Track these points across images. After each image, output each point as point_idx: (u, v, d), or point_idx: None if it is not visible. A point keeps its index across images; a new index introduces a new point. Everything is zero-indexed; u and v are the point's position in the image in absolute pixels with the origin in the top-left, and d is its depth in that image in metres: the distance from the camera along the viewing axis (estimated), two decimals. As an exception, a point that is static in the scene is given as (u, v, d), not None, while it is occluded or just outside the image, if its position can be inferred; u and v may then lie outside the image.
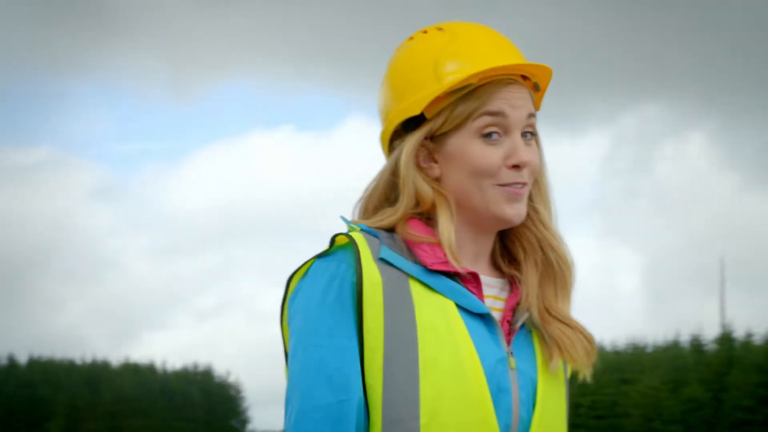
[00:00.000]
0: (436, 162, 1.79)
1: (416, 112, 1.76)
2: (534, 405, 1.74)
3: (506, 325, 1.76)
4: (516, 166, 1.76)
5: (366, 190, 1.82)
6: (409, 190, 1.76)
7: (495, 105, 1.75)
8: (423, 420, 1.63)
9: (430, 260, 1.71)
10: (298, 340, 1.69)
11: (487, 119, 1.75)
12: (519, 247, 1.84)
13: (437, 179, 1.79)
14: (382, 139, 1.84)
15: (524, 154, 1.76)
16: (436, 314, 1.68)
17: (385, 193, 1.80)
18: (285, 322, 1.75)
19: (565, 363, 1.82)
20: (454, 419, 1.65)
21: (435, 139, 1.78)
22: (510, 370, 1.72)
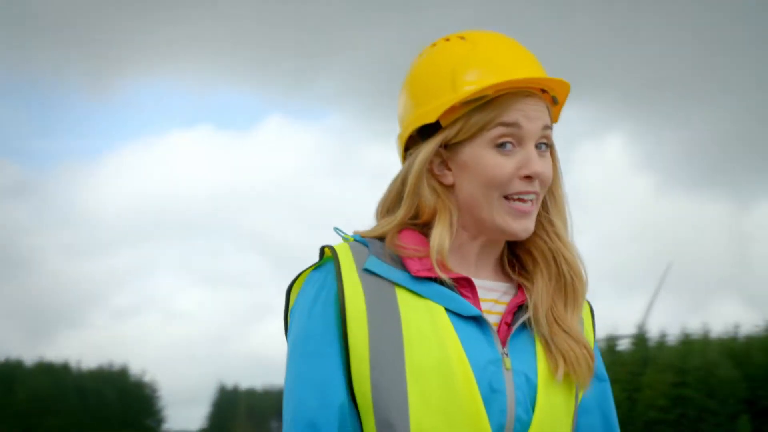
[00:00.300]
0: (450, 170, 1.80)
1: (432, 119, 1.78)
2: (533, 405, 1.74)
3: (505, 327, 1.78)
4: (528, 177, 1.77)
5: (382, 195, 1.85)
6: (412, 200, 1.79)
7: (510, 116, 1.76)
8: (413, 423, 1.66)
9: (415, 267, 1.74)
10: (289, 350, 1.76)
11: (501, 129, 1.76)
12: (530, 257, 1.85)
13: (450, 187, 1.80)
14: (399, 144, 1.87)
15: (537, 165, 1.77)
16: (423, 319, 1.71)
17: (395, 199, 1.83)
18: (286, 333, 1.81)
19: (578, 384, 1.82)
20: (444, 420, 1.67)
21: (449, 147, 1.79)
22: (505, 371, 1.72)
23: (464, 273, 1.79)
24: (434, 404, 1.67)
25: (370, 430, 1.69)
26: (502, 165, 1.76)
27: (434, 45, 1.84)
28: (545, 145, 1.80)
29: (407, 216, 1.79)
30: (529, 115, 1.77)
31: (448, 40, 1.83)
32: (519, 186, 1.77)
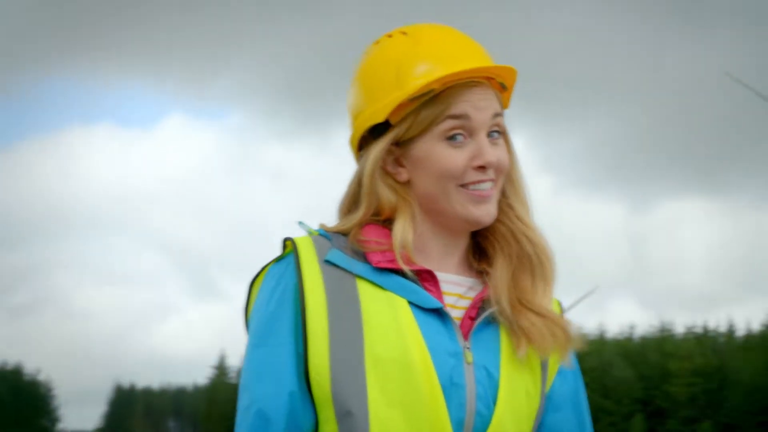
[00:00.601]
0: (403, 167, 1.80)
1: (380, 119, 1.77)
2: (495, 401, 1.73)
3: (469, 321, 1.76)
4: (481, 167, 1.76)
5: (342, 195, 1.84)
6: (370, 200, 1.78)
7: (459, 108, 1.75)
8: (372, 412, 1.65)
9: (376, 259, 1.74)
10: (247, 343, 1.76)
11: (451, 122, 1.75)
12: (491, 241, 1.84)
13: (405, 184, 1.80)
14: (351, 145, 1.86)
15: (489, 154, 1.76)
16: (384, 311, 1.70)
17: (353, 199, 1.82)
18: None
19: (545, 358, 1.81)
20: (403, 411, 1.66)
21: (401, 144, 1.79)
22: (466, 365, 1.71)
23: (430, 268, 1.78)
24: (394, 395, 1.66)
25: (328, 419, 1.68)
26: (455, 157, 1.75)
27: (377, 43, 1.84)
28: (497, 133, 1.80)
29: (368, 214, 1.79)
30: (477, 105, 1.76)
31: (390, 36, 1.83)
32: (474, 176, 1.76)
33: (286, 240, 1.77)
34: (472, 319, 1.77)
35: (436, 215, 1.79)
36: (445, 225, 1.80)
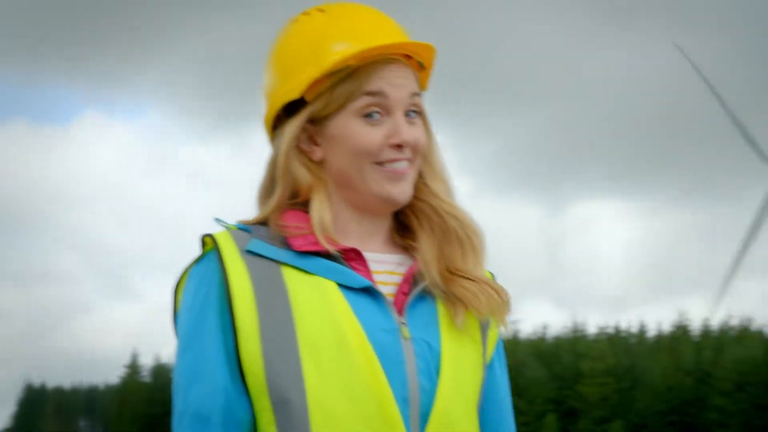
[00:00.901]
0: (318, 145, 1.77)
1: (295, 96, 1.75)
2: (438, 373, 1.70)
3: (402, 296, 1.74)
4: (398, 146, 1.74)
5: (260, 181, 1.80)
6: (285, 180, 1.75)
7: (375, 85, 1.73)
8: (310, 398, 1.62)
9: (298, 243, 1.71)
10: (176, 347, 1.72)
11: (367, 99, 1.73)
12: (413, 217, 1.82)
13: (320, 162, 1.77)
14: (265, 124, 1.82)
15: (406, 132, 1.74)
16: (312, 295, 1.67)
17: (270, 182, 1.79)
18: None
19: (485, 329, 1.80)
20: (344, 394, 1.63)
21: (317, 122, 1.76)
22: (403, 340, 1.69)
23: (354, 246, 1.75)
24: (332, 379, 1.63)
25: (264, 410, 1.64)
26: (371, 134, 1.73)
27: (295, 21, 1.81)
28: (415, 113, 1.77)
29: (284, 197, 1.75)
30: (394, 82, 1.74)
31: (307, 14, 1.80)
32: (390, 154, 1.74)
33: (204, 237, 1.73)
34: (406, 294, 1.74)
35: (352, 194, 1.76)
36: (363, 205, 1.77)
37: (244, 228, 1.75)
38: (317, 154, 1.76)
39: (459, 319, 1.74)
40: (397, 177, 1.74)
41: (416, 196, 1.79)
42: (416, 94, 1.77)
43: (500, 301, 1.77)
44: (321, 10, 1.79)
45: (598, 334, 66.33)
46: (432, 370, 1.70)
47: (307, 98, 1.74)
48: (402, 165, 1.74)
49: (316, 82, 1.73)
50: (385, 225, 1.81)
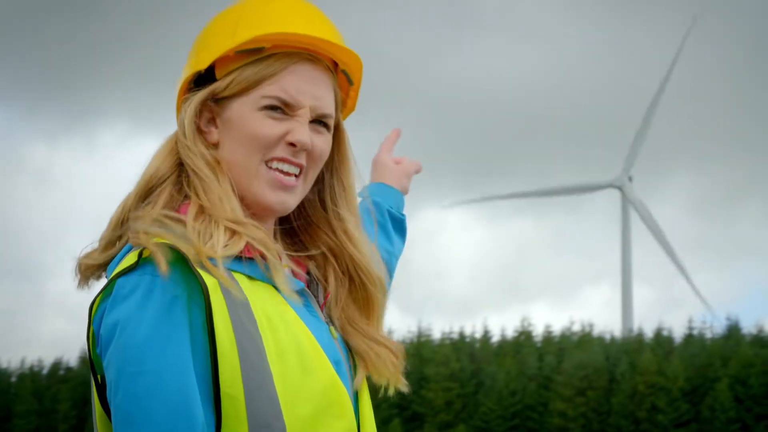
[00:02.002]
0: (216, 127, 1.66)
1: (203, 66, 1.66)
2: (356, 371, 1.68)
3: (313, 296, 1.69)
4: (293, 145, 1.63)
5: (148, 166, 1.63)
6: (190, 159, 1.60)
7: (284, 81, 1.63)
8: (285, 416, 1.49)
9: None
10: (122, 367, 1.46)
11: (271, 93, 1.63)
12: (321, 253, 1.73)
13: (215, 146, 1.65)
14: (177, 98, 1.71)
15: (303, 134, 1.63)
16: (265, 302, 1.55)
17: (168, 166, 1.62)
18: (95, 352, 1.53)
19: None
20: (312, 404, 1.53)
21: (219, 102, 1.65)
22: (334, 340, 1.64)
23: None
24: (298, 392, 1.52)
25: None
26: (269, 127, 1.63)
27: (235, 2, 1.72)
28: (323, 125, 1.67)
29: (176, 184, 1.61)
30: (302, 86, 1.64)
31: None
32: (282, 151, 1.63)
33: (164, 244, 1.50)
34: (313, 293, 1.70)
35: (236, 186, 1.64)
36: (246, 203, 1.64)
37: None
38: (213, 136, 1.66)
39: (358, 380, 1.66)
40: (280, 186, 1.64)
41: (321, 227, 1.73)
42: (328, 114, 1.67)
43: (399, 367, 1.72)
44: None
45: (442, 339, 66.69)
46: (351, 368, 1.67)
47: (218, 76, 1.66)
48: (290, 176, 1.64)
49: (228, 59, 1.65)
50: (272, 222, 1.71)
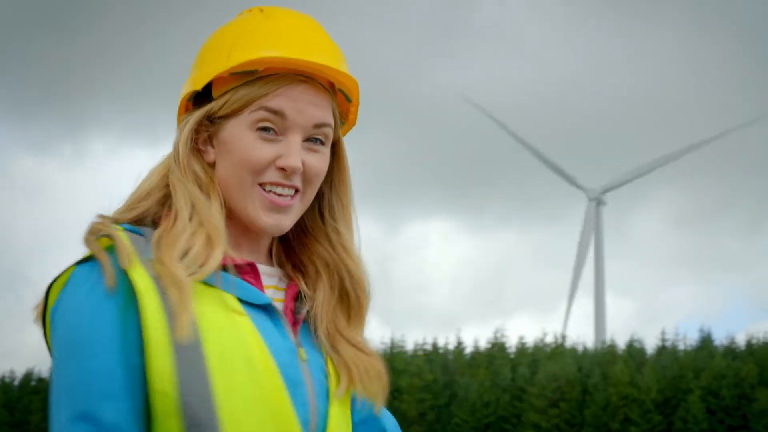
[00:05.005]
0: (213, 147, 1.67)
1: (198, 86, 1.66)
2: (329, 398, 1.64)
3: (290, 315, 1.67)
4: (282, 169, 1.63)
5: (145, 179, 1.67)
6: (184, 173, 1.63)
7: (276, 102, 1.63)
8: (223, 419, 1.49)
9: None
10: (61, 352, 1.52)
11: (263, 113, 1.63)
12: (313, 266, 1.74)
13: (211, 165, 1.66)
14: (177, 117, 1.73)
15: (293, 158, 1.63)
16: (216, 310, 1.55)
17: (161, 178, 1.66)
18: (48, 335, 1.59)
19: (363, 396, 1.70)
20: (254, 416, 1.52)
21: (215, 122, 1.66)
22: (301, 362, 1.62)
23: (233, 256, 1.63)
24: (241, 399, 1.51)
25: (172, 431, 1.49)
26: (259, 150, 1.63)
27: (236, 17, 1.73)
28: (320, 142, 1.67)
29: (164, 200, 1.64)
30: (298, 106, 1.64)
31: (250, 11, 1.72)
32: (274, 176, 1.64)
33: (101, 236, 1.56)
34: (293, 312, 1.69)
35: (232, 208, 1.66)
36: (241, 222, 1.67)
37: (136, 231, 1.60)
38: (210, 155, 1.67)
39: (340, 390, 1.66)
40: (274, 207, 1.64)
41: (319, 240, 1.74)
42: (325, 125, 1.67)
43: (385, 383, 1.72)
44: (261, 11, 1.71)
45: (415, 350, 66.60)
46: (324, 394, 1.64)
47: (215, 95, 1.66)
48: (284, 193, 1.65)
49: (224, 80, 1.66)
50: (268, 243, 1.73)
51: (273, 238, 1.74)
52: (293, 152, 1.63)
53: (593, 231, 74.71)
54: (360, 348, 1.70)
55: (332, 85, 1.70)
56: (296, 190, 1.66)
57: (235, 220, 1.66)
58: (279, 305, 1.67)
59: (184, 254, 1.56)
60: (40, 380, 67.70)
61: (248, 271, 1.63)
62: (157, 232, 1.58)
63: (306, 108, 1.64)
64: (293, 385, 1.58)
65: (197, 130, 1.68)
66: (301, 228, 1.77)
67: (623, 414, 54.02)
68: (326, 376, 1.65)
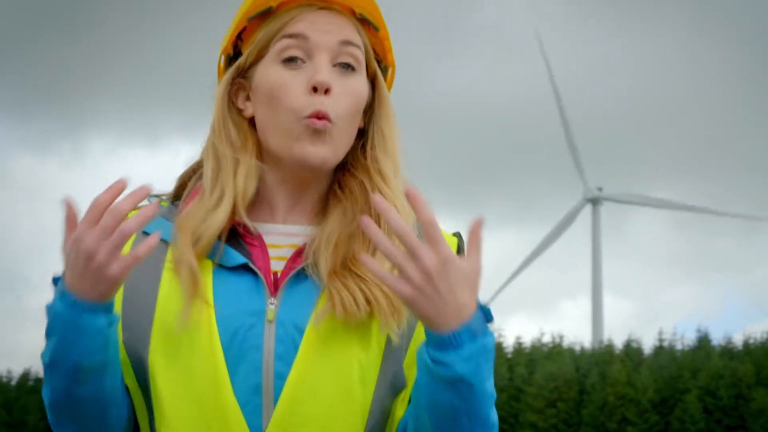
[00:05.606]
0: (250, 100, 1.64)
1: (226, 46, 1.65)
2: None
3: (289, 271, 1.58)
4: (314, 90, 1.56)
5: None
6: (221, 140, 1.61)
7: (296, 27, 1.59)
8: (157, 385, 1.53)
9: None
10: None
11: (285, 42, 1.59)
12: (334, 195, 1.64)
13: (251, 121, 1.63)
14: (218, 84, 1.68)
15: (321, 74, 1.56)
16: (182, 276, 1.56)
17: (210, 149, 1.65)
18: None
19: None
20: (183, 384, 1.52)
21: (246, 75, 1.63)
22: (267, 323, 1.54)
23: (272, 221, 1.63)
24: (175, 368, 1.53)
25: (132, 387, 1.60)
26: (288, 79, 1.58)
27: None
28: (349, 67, 1.60)
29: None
30: (320, 26, 1.59)
31: None
32: (311, 106, 1.56)
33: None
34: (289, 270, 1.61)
35: (274, 157, 1.61)
36: (283, 169, 1.62)
37: (170, 204, 1.66)
38: (249, 110, 1.64)
39: (319, 319, 1.54)
40: (314, 132, 1.57)
41: (353, 171, 1.65)
42: (351, 44, 1.60)
43: (384, 309, 1.54)
44: None
45: (414, 351, 66.51)
46: (292, 356, 1.54)
47: (243, 51, 1.64)
48: (318, 120, 1.56)
49: (247, 32, 1.63)
50: (313, 194, 1.65)
51: (321, 194, 1.65)
52: (320, 68, 1.57)
53: (591, 230, 74.72)
54: (362, 275, 1.55)
55: (354, 13, 1.64)
56: (326, 117, 1.57)
57: (275, 175, 1.63)
58: (280, 263, 1.60)
59: (198, 238, 1.57)
60: (38, 380, 67.66)
61: (248, 232, 1.60)
62: (186, 210, 1.60)
63: (328, 27, 1.59)
64: (247, 348, 1.53)
65: (234, 91, 1.65)
66: (343, 169, 1.68)
67: (620, 414, 53.96)
68: (302, 332, 1.55)
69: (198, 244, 1.57)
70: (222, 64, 1.68)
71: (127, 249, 1.56)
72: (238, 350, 1.53)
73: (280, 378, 1.53)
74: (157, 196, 1.68)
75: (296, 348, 1.54)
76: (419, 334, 1.58)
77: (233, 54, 1.67)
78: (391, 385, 1.57)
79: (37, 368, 69.12)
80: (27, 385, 67.43)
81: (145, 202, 1.61)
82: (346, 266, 1.57)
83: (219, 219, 1.57)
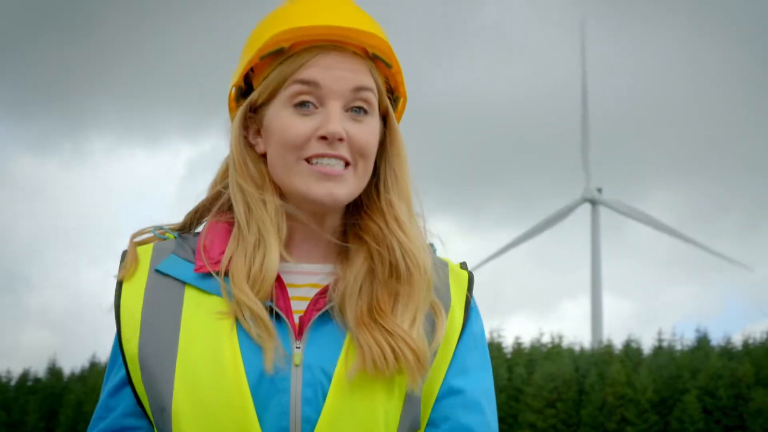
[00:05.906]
0: (261, 137, 1.65)
1: (237, 80, 1.65)
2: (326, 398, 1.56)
3: (314, 314, 1.58)
4: (324, 138, 1.57)
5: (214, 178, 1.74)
6: (243, 175, 1.63)
7: (308, 73, 1.58)
8: (174, 425, 1.53)
9: (199, 263, 1.60)
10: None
11: (297, 87, 1.58)
12: (354, 237, 1.64)
13: (264, 157, 1.65)
14: (230, 115, 1.71)
15: (333, 125, 1.56)
16: (205, 318, 1.56)
17: (221, 180, 1.71)
18: None
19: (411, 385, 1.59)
20: (208, 417, 1.52)
21: (258, 111, 1.64)
22: (294, 367, 1.54)
23: (287, 258, 1.61)
24: (201, 411, 1.52)
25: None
26: (297, 125, 1.58)
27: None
28: (362, 110, 1.60)
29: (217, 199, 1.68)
30: (332, 73, 1.58)
31: (282, 4, 1.68)
32: (317, 148, 1.58)
33: (123, 252, 1.66)
34: (314, 310, 1.61)
35: (285, 192, 1.63)
36: (299, 207, 1.63)
37: (177, 236, 1.66)
38: (260, 147, 1.66)
39: (350, 372, 1.54)
40: (324, 177, 1.58)
41: (370, 215, 1.65)
42: (364, 89, 1.60)
43: (414, 364, 1.56)
44: (292, 0, 1.67)
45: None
46: (321, 400, 1.55)
47: (255, 87, 1.65)
48: (333, 165, 1.58)
49: (259, 68, 1.64)
50: (327, 230, 1.66)
51: (335, 230, 1.67)
52: (332, 119, 1.57)
53: (591, 232, 74.71)
54: (390, 330, 1.55)
55: (366, 52, 1.63)
56: (347, 163, 1.59)
57: (292, 214, 1.63)
58: (302, 304, 1.61)
59: (249, 276, 1.57)
60: (37, 380, 67.65)
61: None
62: (229, 252, 1.61)
63: (341, 74, 1.59)
64: (274, 393, 1.53)
65: (245, 126, 1.66)
66: (358, 208, 1.69)
67: (620, 414, 53.93)
68: (330, 377, 1.55)
69: (260, 289, 1.57)
70: (233, 94, 1.68)
71: (140, 290, 1.59)
72: (266, 393, 1.53)
73: (308, 422, 1.53)
74: (161, 227, 1.68)
75: (324, 392, 1.54)
76: (433, 374, 1.62)
77: (245, 88, 1.69)
78: (410, 428, 1.61)
79: (37, 369, 69.19)
80: (26, 386, 67.41)
81: (149, 235, 1.66)
82: (372, 316, 1.58)
83: (274, 262, 1.57)
